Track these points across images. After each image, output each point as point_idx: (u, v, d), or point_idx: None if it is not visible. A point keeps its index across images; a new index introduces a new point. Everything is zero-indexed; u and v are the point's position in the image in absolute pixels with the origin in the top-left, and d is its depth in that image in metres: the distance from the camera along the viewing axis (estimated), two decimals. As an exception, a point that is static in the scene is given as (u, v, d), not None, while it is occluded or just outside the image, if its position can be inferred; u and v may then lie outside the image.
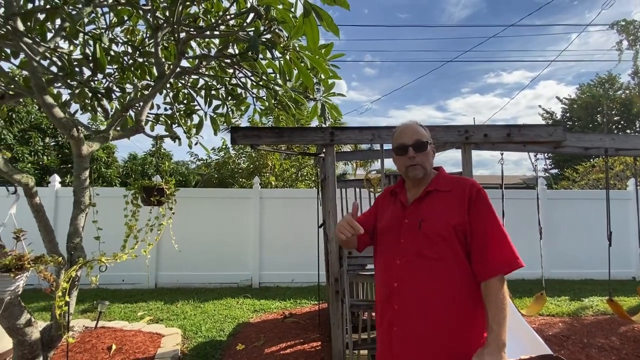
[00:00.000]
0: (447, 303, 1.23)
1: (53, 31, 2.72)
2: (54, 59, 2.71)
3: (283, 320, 4.43)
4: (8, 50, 2.69)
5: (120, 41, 3.25)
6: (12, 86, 2.72)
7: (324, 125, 3.64)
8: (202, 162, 10.13)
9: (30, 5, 2.59)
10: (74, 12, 2.33)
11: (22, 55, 2.76)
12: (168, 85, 3.51)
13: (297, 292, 5.74)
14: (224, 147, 9.59)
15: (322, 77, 3.08)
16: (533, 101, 50.09)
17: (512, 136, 2.83)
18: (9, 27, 2.11)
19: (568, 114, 21.46)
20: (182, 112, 3.76)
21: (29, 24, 2.47)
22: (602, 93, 20.09)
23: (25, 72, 3.21)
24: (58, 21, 2.67)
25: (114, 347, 3.41)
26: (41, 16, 2.50)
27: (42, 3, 2.56)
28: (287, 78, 2.71)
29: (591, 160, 11.64)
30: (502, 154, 3.34)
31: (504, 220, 3.81)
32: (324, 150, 3.03)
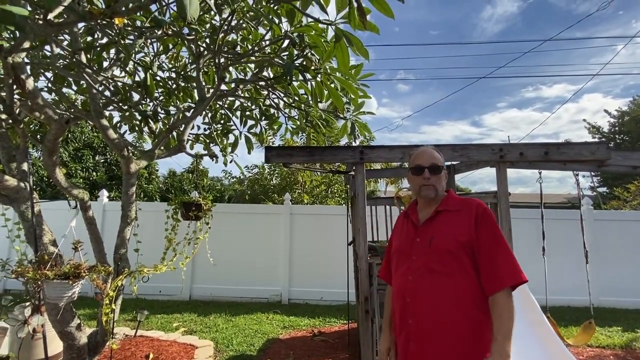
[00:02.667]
0: (458, 316, 1.30)
1: (108, 60, 3.03)
2: (109, 85, 3.00)
3: (312, 338, 4.41)
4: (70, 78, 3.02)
5: (165, 67, 3.53)
6: (73, 110, 3.04)
7: (353, 144, 3.70)
8: (235, 179, 10.50)
9: (89, 38, 2.92)
10: (127, 44, 2.59)
11: (81, 82, 3.10)
12: (207, 107, 3.75)
13: (326, 310, 5.69)
14: (257, 165, 9.93)
15: (352, 96, 3.16)
16: (576, 115, 47.29)
17: (550, 155, 2.72)
18: (74, 59, 2.39)
19: (617, 128, 20.06)
20: (219, 132, 3.98)
21: (89, 55, 2.77)
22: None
23: (81, 97, 3.58)
24: (112, 52, 2.98)
25: (151, 355, 3.55)
26: (99, 47, 2.80)
27: (100, 35, 2.88)
28: (318, 99, 2.82)
29: (644, 178, 10.74)
30: (540, 173, 3.21)
31: (544, 242, 3.62)
32: (354, 168, 3.07)
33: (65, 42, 2.82)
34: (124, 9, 1.77)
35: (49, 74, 3.03)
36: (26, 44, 1.90)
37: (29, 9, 1.83)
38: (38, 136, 3.88)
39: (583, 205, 6.27)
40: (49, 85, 3.07)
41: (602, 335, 4.52)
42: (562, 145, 2.75)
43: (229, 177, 10.69)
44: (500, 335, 1.23)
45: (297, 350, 3.95)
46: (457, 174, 4.13)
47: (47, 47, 2.58)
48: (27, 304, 1.98)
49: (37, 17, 1.67)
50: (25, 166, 2.37)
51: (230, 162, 4.14)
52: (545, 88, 51.12)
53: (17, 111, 2.65)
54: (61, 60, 2.78)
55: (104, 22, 2.25)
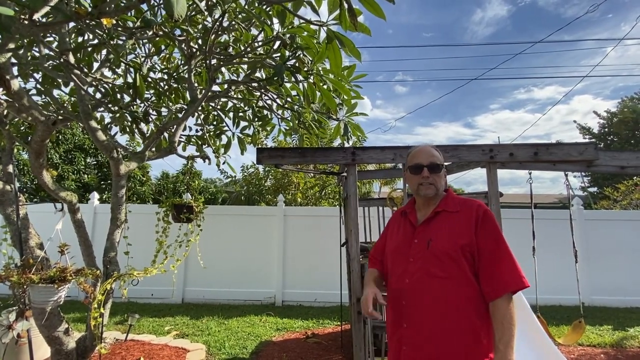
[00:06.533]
0: (455, 322, 1.25)
1: (99, 61, 3.00)
2: (99, 87, 2.97)
3: (305, 340, 4.39)
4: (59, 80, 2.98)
5: (158, 68, 3.51)
6: (62, 112, 3.00)
7: (346, 145, 3.70)
8: (231, 178, 10.43)
9: (80, 39, 2.89)
10: (117, 45, 2.57)
11: (71, 84, 3.06)
12: (199, 108, 3.73)
13: (319, 311, 5.68)
14: (252, 165, 9.89)
15: (345, 97, 3.16)
16: (567, 117, 48.03)
17: (540, 155, 2.75)
18: (62, 60, 2.35)
19: (606, 129, 20.38)
20: (211, 133, 3.96)
21: (78, 55, 2.74)
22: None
23: (72, 98, 3.53)
24: (103, 52, 2.95)
25: (141, 360, 3.51)
26: (89, 48, 2.77)
27: (90, 36, 2.84)
28: (311, 100, 2.82)
29: (633, 178, 10.91)
30: (530, 174, 3.24)
31: (534, 242, 3.65)
32: (346, 169, 3.07)
33: (55, 44, 2.78)
34: (113, 7, 1.75)
35: (39, 75, 2.99)
36: (11, 45, 1.87)
37: (16, 8, 1.80)
38: (29, 138, 3.82)
39: (574, 205, 6.36)
40: (38, 86, 3.03)
41: (593, 334, 4.56)
42: (551, 146, 2.78)
43: (225, 178, 10.62)
44: (502, 345, 1.19)
45: (291, 353, 3.93)
46: (449, 174, 4.15)
47: (36, 48, 2.55)
48: (13, 308, 1.94)
49: (22, 17, 1.64)
50: (10, 168, 2.33)
51: (223, 163, 4.12)
52: (536, 90, 51.79)
53: (4, 112, 2.61)
54: (51, 61, 2.74)
55: (93, 22, 2.23)
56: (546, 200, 18.53)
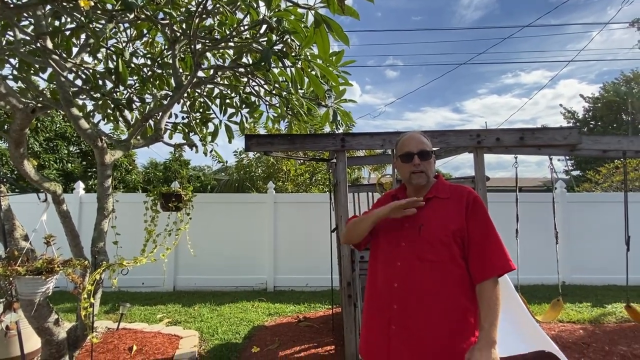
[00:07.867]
0: (446, 303, 1.30)
1: (78, 46, 2.88)
2: (80, 73, 2.87)
3: (297, 324, 4.48)
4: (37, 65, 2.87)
5: (140, 54, 3.40)
6: (41, 99, 2.90)
7: (335, 131, 3.69)
8: (223, 164, 10.33)
9: (57, 23, 2.77)
10: (97, 29, 2.47)
11: (49, 70, 2.94)
12: (185, 95, 3.64)
13: (311, 296, 5.77)
14: (244, 151, 9.82)
15: (333, 84, 3.13)
16: (553, 101, 48.69)
17: (526, 140, 2.80)
18: (39, 45, 2.26)
19: (591, 113, 20.81)
20: (198, 121, 3.89)
21: (56, 40, 2.63)
22: (628, 91, 19.38)
23: (52, 85, 3.41)
24: (83, 37, 2.84)
25: (134, 347, 3.53)
26: (67, 32, 2.66)
27: (68, 20, 2.73)
28: (299, 86, 2.78)
29: (614, 161, 11.23)
30: (516, 158, 3.31)
31: (518, 225, 3.75)
32: (335, 156, 3.08)
33: (31, 28, 2.66)
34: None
35: (15, 61, 2.86)
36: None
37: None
38: (6, 127, 3.68)
39: (557, 188, 6.53)
40: (14, 72, 2.91)
41: (572, 311, 4.77)
42: (537, 131, 2.83)
43: (216, 163, 10.51)
44: (487, 324, 1.24)
45: (283, 336, 4.00)
46: (437, 159, 4.20)
47: (10, 32, 2.43)
48: (0, 301, 1.91)
49: (-7, -2, 1.56)
50: (-10, 158, 2.26)
51: (211, 151, 4.06)
52: (523, 74, 52.26)
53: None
54: (27, 46, 2.63)
55: (70, 4, 2.13)
56: (531, 184, 18.96)
